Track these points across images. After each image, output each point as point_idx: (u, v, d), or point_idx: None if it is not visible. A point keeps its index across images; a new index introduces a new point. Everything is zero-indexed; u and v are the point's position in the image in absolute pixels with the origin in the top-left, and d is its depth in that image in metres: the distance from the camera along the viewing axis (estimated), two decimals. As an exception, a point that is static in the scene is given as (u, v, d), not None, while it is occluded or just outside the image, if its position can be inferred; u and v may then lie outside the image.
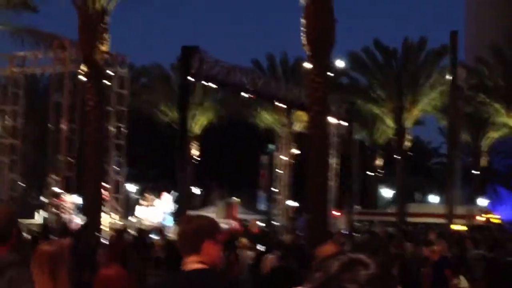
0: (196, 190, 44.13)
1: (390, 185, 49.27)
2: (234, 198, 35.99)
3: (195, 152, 40.15)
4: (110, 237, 17.27)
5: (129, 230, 20.27)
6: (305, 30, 17.59)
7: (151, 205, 28.39)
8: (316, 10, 17.38)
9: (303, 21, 17.66)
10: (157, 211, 28.88)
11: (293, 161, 37.87)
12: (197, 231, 3.64)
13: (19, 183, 27.94)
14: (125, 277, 4.56)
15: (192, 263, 3.69)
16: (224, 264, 12.91)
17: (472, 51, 54.51)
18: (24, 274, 3.90)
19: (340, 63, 29.43)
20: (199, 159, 39.96)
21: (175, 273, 3.79)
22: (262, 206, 41.99)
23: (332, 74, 20.17)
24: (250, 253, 15.76)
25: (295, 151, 38.10)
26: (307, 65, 17.76)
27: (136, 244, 17.28)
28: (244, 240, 15.65)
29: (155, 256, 18.42)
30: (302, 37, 17.83)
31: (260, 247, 15.94)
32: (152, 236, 21.72)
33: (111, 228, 20.49)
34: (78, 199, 25.97)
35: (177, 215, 26.90)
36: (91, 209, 20.66)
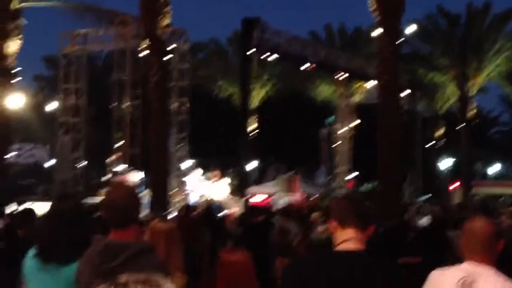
0: (254, 164, 43.87)
1: (450, 156, 48.20)
2: (291, 172, 35.56)
3: (253, 126, 39.85)
4: (178, 212, 17.07)
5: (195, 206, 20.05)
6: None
7: (216, 181, 28.15)
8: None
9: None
10: (220, 186, 28.66)
11: (353, 133, 37.36)
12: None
13: (82, 162, 28.05)
14: (250, 261, 4.22)
15: (349, 241, 3.28)
16: (298, 241, 12.53)
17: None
18: (157, 260, 3.54)
19: (411, 28, 28.47)
20: (257, 131, 39.61)
21: (331, 253, 3.37)
22: (322, 179, 41.54)
23: (402, 39, 19.41)
24: (322, 228, 15.34)
25: (355, 122, 37.54)
26: (378, 30, 17.13)
27: (205, 219, 17.01)
28: (316, 214, 15.17)
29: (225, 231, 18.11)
30: (369, 3, 17.20)
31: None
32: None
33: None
34: (141, 176, 25.94)
35: (238, 190, 26.67)
36: (157, 186, 20.54)
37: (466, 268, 3.55)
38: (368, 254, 3.26)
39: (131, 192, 3.69)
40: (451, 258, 10.73)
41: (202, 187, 28.14)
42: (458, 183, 34.25)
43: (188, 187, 26.50)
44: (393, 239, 9.94)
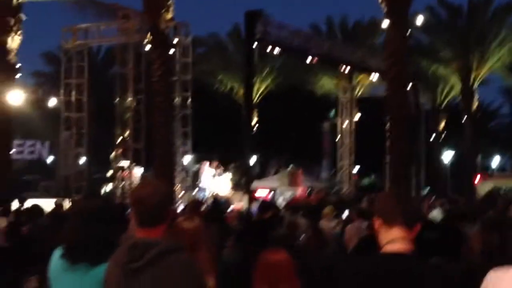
0: (255, 159, 43.76)
1: (452, 148, 48.11)
2: (293, 166, 35.41)
3: (253, 120, 39.68)
4: (185, 208, 16.91)
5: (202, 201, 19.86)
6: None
7: (219, 175, 27.96)
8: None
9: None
10: (223, 181, 28.48)
11: (355, 127, 37.24)
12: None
13: (85, 157, 27.85)
14: (291, 262, 4.02)
15: (397, 242, 3.08)
16: (308, 236, 12.33)
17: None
18: (186, 261, 3.34)
19: (419, 19, 28.26)
20: (258, 126, 39.43)
21: (378, 255, 3.15)
22: (324, 173, 41.42)
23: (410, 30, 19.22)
24: (333, 223, 15.12)
25: (357, 116, 37.41)
26: (386, 21, 16.93)
27: (212, 215, 16.82)
28: (328, 209, 14.93)
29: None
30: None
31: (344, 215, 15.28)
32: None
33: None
34: (144, 172, 25.76)
35: (241, 185, 26.52)
36: (161, 181, 20.34)
37: None
38: (417, 256, 3.06)
39: (162, 189, 3.50)
40: (468, 254, 10.56)
41: (206, 181, 27.98)
42: (479, 176, 34.05)
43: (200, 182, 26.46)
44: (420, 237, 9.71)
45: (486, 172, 37.15)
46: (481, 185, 33.31)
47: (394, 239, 3.05)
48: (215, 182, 27.81)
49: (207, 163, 26.76)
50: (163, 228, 3.43)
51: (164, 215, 3.43)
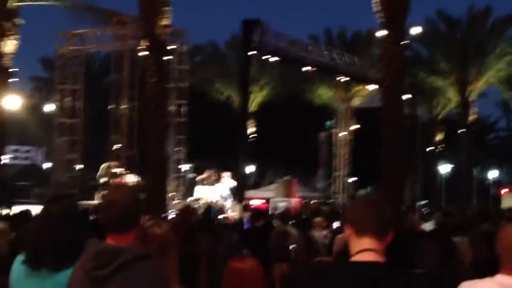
0: (252, 168, 43.63)
1: (449, 161, 48.08)
2: (288, 176, 35.26)
3: (251, 129, 39.58)
4: (176, 216, 16.76)
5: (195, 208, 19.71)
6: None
7: (214, 183, 27.80)
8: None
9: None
10: (218, 190, 28.30)
11: (352, 137, 37.20)
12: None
13: (77, 164, 27.72)
14: (259, 270, 3.88)
15: (367, 252, 2.94)
16: (299, 246, 12.18)
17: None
18: (154, 269, 3.22)
19: (416, 30, 28.20)
20: (255, 135, 39.36)
21: (346, 264, 3.02)
22: (320, 183, 41.30)
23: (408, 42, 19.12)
24: (324, 232, 15.01)
25: (354, 126, 37.38)
26: (382, 32, 16.82)
27: (204, 223, 16.68)
28: (319, 219, 14.81)
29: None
30: (373, 4, 16.88)
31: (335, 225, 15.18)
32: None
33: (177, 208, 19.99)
34: (138, 179, 25.57)
35: (236, 194, 26.34)
36: (156, 189, 20.15)
37: (501, 281, 3.22)
38: (389, 265, 2.93)
39: (133, 194, 3.38)
40: (457, 265, 10.45)
41: (200, 189, 27.81)
42: (507, 189, 34.03)
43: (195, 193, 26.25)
44: (403, 247, 9.58)
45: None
46: (507, 198, 33.26)
47: (365, 250, 2.92)
48: (210, 191, 27.64)
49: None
50: (132, 234, 3.31)
51: (134, 221, 3.32)
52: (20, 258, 3.65)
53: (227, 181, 26.95)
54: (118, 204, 3.26)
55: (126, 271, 3.12)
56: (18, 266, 3.64)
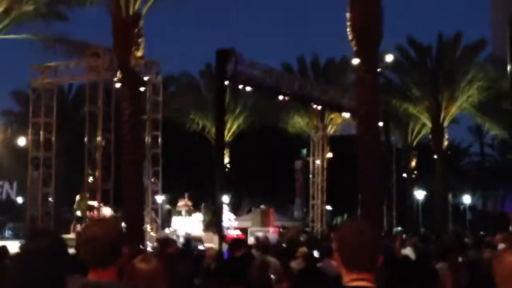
0: (227, 199, 43.43)
1: (423, 186, 48.36)
2: (263, 206, 35.15)
3: (225, 159, 39.47)
4: (154, 249, 16.58)
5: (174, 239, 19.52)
6: (350, 22, 16.77)
7: (190, 213, 27.65)
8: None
9: (348, 14, 16.87)
10: (194, 221, 28.12)
11: (327, 165, 37.28)
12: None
13: (50, 198, 27.36)
14: (162, 270, 3.77)
15: (358, 281, 2.92)
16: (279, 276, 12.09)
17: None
18: None
19: (389, 58, 28.51)
20: (230, 165, 39.24)
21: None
22: (297, 212, 41.21)
23: (380, 69, 19.30)
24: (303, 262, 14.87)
25: (329, 155, 37.47)
26: (355, 60, 16.99)
27: (185, 254, 16.52)
28: (303, 249, 14.67)
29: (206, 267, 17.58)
30: (347, 32, 17.07)
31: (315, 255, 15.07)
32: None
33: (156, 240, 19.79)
34: (111, 212, 25.27)
35: (213, 225, 26.18)
36: (132, 221, 19.95)
37: None
38: None
39: (115, 228, 3.30)
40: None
41: (176, 221, 27.61)
42: None
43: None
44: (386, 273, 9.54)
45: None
46: None
47: (356, 279, 2.91)
48: (187, 222, 27.47)
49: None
50: (114, 269, 3.24)
51: (116, 256, 3.24)
52: None
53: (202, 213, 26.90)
54: (101, 239, 3.18)
55: None
56: None
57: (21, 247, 3.61)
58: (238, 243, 12.36)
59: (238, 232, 28.93)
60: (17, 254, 3.79)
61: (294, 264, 14.21)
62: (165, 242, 16.56)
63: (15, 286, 3.48)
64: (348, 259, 2.94)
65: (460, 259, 13.40)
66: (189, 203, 28.14)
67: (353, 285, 2.91)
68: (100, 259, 3.19)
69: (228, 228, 26.04)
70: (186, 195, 28.35)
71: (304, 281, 8.24)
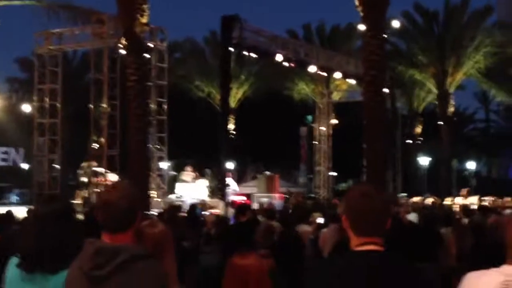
0: (232, 165, 43.54)
1: (428, 153, 48.37)
2: (268, 172, 35.26)
3: (231, 126, 39.49)
4: (160, 215, 16.68)
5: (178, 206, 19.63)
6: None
7: (195, 180, 27.72)
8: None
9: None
10: (199, 187, 28.22)
11: (332, 132, 37.30)
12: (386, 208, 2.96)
13: (57, 164, 27.49)
14: (261, 266, 3.86)
15: (367, 245, 2.94)
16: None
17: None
18: (155, 267, 3.18)
19: (395, 23, 28.27)
20: (235, 131, 39.29)
21: (347, 255, 3.00)
22: (301, 178, 41.36)
23: (386, 35, 19.13)
24: (308, 228, 14.94)
25: (334, 121, 37.45)
26: (362, 26, 16.88)
27: (190, 221, 16.64)
28: (317, 214, 14.65)
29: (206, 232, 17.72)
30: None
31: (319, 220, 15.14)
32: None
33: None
34: (117, 178, 25.38)
35: (217, 191, 26.27)
36: (138, 187, 20.02)
37: (507, 271, 3.20)
38: (391, 253, 2.92)
39: (131, 193, 3.31)
40: (444, 255, 10.50)
41: (181, 187, 27.69)
42: None
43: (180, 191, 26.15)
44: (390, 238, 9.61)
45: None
46: None
47: (364, 243, 2.91)
48: (192, 188, 27.55)
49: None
50: (130, 233, 3.25)
51: (132, 220, 3.25)
52: (14, 261, 3.58)
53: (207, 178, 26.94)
54: (116, 203, 3.19)
55: (124, 271, 3.07)
56: (12, 270, 3.58)
57: (34, 212, 3.65)
58: (243, 208, 12.43)
59: (244, 198, 29.06)
60: (28, 219, 3.83)
61: (306, 228, 14.33)
62: (174, 209, 16.73)
63: (31, 250, 3.53)
64: (356, 223, 2.94)
65: (466, 222, 13.52)
66: (193, 173, 28.21)
67: (362, 249, 2.91)
68: (116, 224, 3.20)
69: (233, 194, 26.10)
70: (188, 165, 28.40)
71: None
